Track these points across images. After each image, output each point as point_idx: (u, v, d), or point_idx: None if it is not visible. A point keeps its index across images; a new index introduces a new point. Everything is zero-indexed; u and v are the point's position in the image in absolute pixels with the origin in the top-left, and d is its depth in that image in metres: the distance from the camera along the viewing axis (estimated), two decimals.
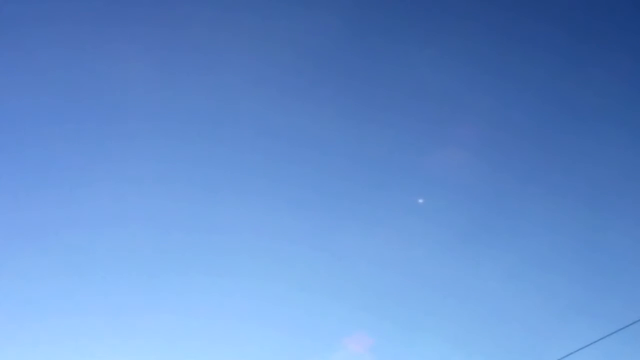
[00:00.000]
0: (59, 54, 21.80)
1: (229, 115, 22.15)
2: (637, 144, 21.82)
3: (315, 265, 20.87)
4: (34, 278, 20.27)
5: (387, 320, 20.46)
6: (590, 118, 22.03)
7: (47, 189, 21.39)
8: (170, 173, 21.68)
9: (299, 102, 22.20)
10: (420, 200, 21.43)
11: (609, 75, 21.68)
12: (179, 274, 20.77)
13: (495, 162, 21.96)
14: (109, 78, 21.68)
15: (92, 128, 21.87)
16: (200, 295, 20.61)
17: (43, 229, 20.97)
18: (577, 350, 18.28)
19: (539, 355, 19.31)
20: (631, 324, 17.20)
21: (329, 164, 22.03)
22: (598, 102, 21.79)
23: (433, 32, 22.42)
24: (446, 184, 21.57)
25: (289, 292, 20.51)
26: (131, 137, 21.82)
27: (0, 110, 21.56)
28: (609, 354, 18.31)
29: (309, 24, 22.30)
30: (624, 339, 18.11)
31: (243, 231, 21.21)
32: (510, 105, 22.18)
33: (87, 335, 19.70)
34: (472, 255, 21.25)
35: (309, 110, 22.25)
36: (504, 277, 21.12)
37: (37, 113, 21.77)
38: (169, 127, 22.00)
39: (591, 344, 18.20)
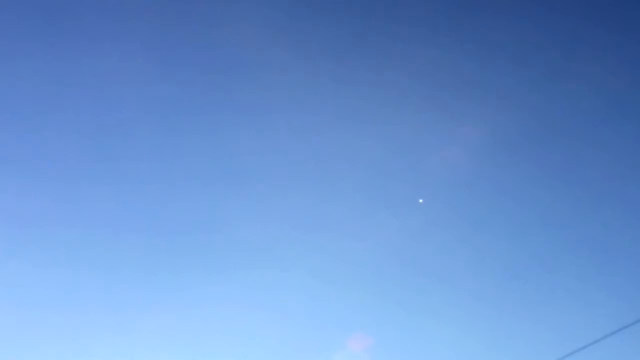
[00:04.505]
0: (58, 51, 21.89)
1: (229, 112, 22.25)
2: (637, 142, 21.90)
3: (315, 265, 20.87)
4: (33, 276, 20.28)
5: (387, 320, 20.48)
6: (591, 116, 22.10)
7: (46, 187, 21.41)
8: (170, 170, 21.76)
9: (297, 101, 22.26)
10: (421, 200, 21.44)
11: (610, 73, 21.77)
12: (179, 273, 20.79)
13: (495, 161, 22.01)
14: (108, 75, 21.75)
15: (91, 126, 21.94)
16: (199, 295, 20.65)
17: (42, 227, 20.99)
18: (578, 349, 18.28)
19: (539, 354, 19.34)
20: (633, 324, 17.19)
21: (329, 162, 22.07)
22: (598, 100, 21.87)
23: (435, 32, 22.50)
24: (446, 183, 21.59)
25: (290, 292, 20.54)
26: (131, 135, 21.89)
27: None
28: (609, 354, 18.32)
29: (309, 22, 22.39)
30: (624, 339, 18.12)
31: (244, 230, 21.28)
32: (511, 105, 22.23)
33: (89, 334, 19.73)
34: (473, 254, 21.30)
35: (308, 109, 22.31)
36: (504, 276, 21.18)
37: (35, 111, 21.86)
38: (169, 124, 22.08)
39: (592, 343, 18.19)
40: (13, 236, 20.79)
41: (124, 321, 19.84)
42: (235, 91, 22.15)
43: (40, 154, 21.57)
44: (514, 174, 22.01)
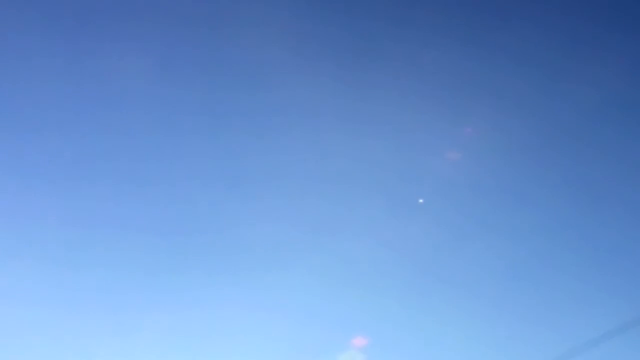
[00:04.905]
0: (59, 51, 21.88)
1: (236, 113, 22.27)
2: (637, 141, 21.97)
3: (318, 266, 20.86)
4: (34, 276, 20.25)
5: (389, 321, 20.49)
6: (593, 116, 22.13)
7: (48, 187, 21.39)
8: (175, 170, 21.78)
9: (298, 102, 22.25)
10: (421, 200, 21.46)
11: (613, 73, 21.80)
12: (182, 274, 20.76)
13: (496, 161, 22.03)
14: (112, 75, 21.77)
15: (93, 126, 21.94)
16: (202, 296, 20.64)
17: (43, 226, 20.96)
18: (578, 349, 18.33)
19: (539, 354, 19.37)
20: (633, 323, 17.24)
21: (331, 164, 22.06)
22: (601, 100, 21.89)
23: (436, 33, 22.53)
24: (447, 184, 21.61)
25: (293, 293, 20.51)
26: (137, 135, 21.92)
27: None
28: (610, 353, 18.37)
29: (310, 23, 22.39)
30: (624, 338, 18.17)
31: (247, 231, 21.25)
32: (513, 105, 22.28)
33: (92, 334, 19.70)
34: (474, 255, 21.30)
35: (308, 111, 22.31)
36: (505, 275, 21.22)
37: (37, 110, 21.85)
38: (171, 124, 22.09)
39: (592, 342, 18.24)
40: (13, 235, 20.80)
41: (128, 322, 19.84)
42: (241, 93, 22.22)
43: (42, 153, 21.60)
44: (515, 174, 22.09)
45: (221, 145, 22.12)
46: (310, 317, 20.39)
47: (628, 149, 21.99)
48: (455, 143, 21.75)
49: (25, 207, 21.10)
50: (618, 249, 21.34)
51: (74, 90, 21.90)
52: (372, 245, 20.91)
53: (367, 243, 20.98)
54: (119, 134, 21.83)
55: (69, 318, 19.87)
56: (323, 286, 20.47)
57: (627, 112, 22.30)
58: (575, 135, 22.24)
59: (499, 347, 20.20)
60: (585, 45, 22.36)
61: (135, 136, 21.85)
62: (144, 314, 19.94)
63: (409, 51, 22.46)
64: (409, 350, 20.12)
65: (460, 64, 22.46)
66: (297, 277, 20.52)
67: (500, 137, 21.99)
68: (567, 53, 22.50)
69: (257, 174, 21.83)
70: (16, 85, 21.70)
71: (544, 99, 22.37)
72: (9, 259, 20.40)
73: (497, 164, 21.99)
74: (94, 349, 19.44)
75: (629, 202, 21.68)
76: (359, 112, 22.15)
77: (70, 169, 21.59)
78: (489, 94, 22.27)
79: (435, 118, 22.12)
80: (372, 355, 19.62)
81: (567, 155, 22.27)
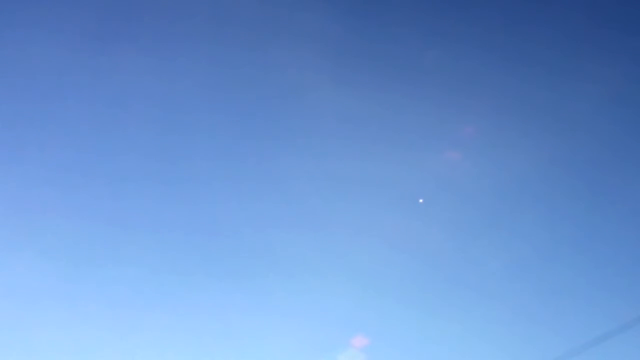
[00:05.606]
0: (59, 51, 21.91)
1: (232, 113, 22.31)
2: (637, 142, 21.98)
3: (315, 266, 20.91)
4: (37, 275, 20.30)
5: (386, 320, 20.52)
6: (593, 115, 22.15)
7: (52, 185, 21.44)
8: (178, 171, 21.85)
9: (299, 102, 22.29)
10: (421, 200, 21.48)
11: (613, 71, 21.82)
12: (186, 275, 20.87)
13: (496, 160, 22.04)
14: (110, 74, 21.82)
15: (96, 127, 21.98)
16: (206, 297, 20.70)
17: (47, 225, 21.00)
18: (579, 348, 18.32)
19: (539, 354, 19.39)
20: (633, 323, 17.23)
21: (329, 164, 22.09)
22: (600, 98, 21.92)
23: (436, 33, 22.56)
24: (446, 183, 21.63)
25: (291, 294, 20.59)
26: (142, 135, 21.97)
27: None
28: (610, 353, 18.38)
29: (308, 22, 22.42)
30: (625, 338, 18.17)
31: (247, 232, 21.34)
32: (511, 104, 22.30)
33: (98, 333, 19.75)
34: (474, 254, 21.34)
35: (308, 111, 22.35)
36: (505, 275, 21.25)
37: (38, 109, 21.90)
38: (175, 125, 22.13)
39: (593, 342, 18.24)
40: (16, 233, 20.84)
41: (131, 321, 19.95)
42: (245, 94, 22.32)
43: (45, 152, 21.65)
44: (514, 172, 22.07)
45: (226, 146, 22.24)
46: (311, 317, 20.46)
47: (630, 148, 22.03)
48: (456, 142, 21.81)
49: (28, 205, 21.18)
50: (619, 249, 21.36)
51: (82, 89, 22.02)
52: (372, 245, 20.97)
53: (367, 243, 21.05)
54: (124, 133, 21.95)
55: (70, 317, 19.98)
56: (323, 286, 20.54)
57: (630, 110, 22.34)
58: (577, 134, 22.27)
59: (500, 346, 20.24)
60: (586, 43, 22.41)
61: (143, 136, 22.00)
62: (147, 314, 20.09)
63: (409, 51, 22.54)
64: (410, 350, 20.18)
65: (460, 64, 22.55)
66: (298, 277, 20.64)
67: (501, 136, 22.06)
68: (568, 52, 22.56)
69: (259, 175, 21.93)
70: (19, 85, 21.78)
71: (545, 98, 22.41)
72: (11, 256, 20.47)
73: (498, 164, 22.04)
74: (97, 348, 19.53)
75: (631, 201, 21.71)
76: (361, 113, 22.24)
77: (75, 167, 21.70)
78: (489, 94, 22.32)
79: (436, 118, 22.20)
80: (372, 355, 19.66)
81: (568, 155, 22.30)
